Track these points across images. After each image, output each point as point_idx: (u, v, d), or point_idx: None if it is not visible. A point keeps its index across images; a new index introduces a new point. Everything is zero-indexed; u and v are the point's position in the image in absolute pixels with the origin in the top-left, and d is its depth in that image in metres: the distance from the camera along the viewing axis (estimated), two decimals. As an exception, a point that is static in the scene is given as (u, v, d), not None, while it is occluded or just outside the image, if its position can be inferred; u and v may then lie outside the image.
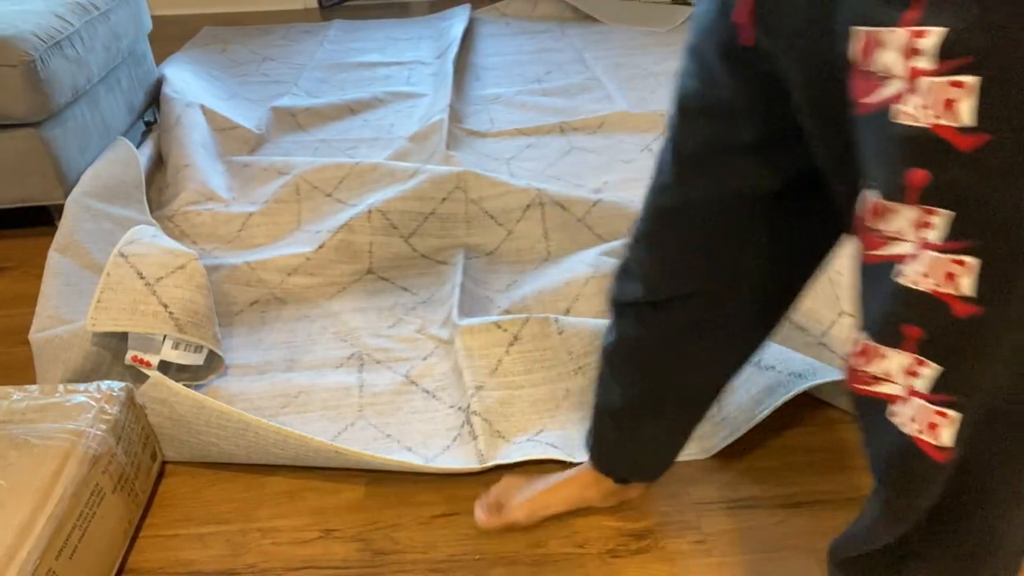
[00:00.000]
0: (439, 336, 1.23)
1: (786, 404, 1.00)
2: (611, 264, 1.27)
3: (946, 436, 0.48)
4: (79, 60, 1.59)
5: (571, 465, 1.00)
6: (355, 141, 1.96)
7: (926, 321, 0.46)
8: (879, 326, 0.49)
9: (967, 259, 0.42)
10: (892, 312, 0.47)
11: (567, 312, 1.23)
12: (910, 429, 0.49)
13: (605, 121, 1.98)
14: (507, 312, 1.25)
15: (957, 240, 0.42)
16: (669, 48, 2.60)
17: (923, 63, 0.40)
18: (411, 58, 2.58)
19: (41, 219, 1.64)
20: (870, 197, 0.46)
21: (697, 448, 1.03)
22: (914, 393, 0.48)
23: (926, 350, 0.47)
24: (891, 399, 0.50)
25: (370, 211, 1.45)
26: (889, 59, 0.41)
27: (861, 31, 0.43)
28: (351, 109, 2.15)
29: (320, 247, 1.40)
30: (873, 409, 0.52)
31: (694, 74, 0.60)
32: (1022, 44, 0.37)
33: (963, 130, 0.39)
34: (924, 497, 0.53)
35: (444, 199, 1.48)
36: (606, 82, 2.30)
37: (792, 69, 0.50)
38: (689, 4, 3.01)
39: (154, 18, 3.07)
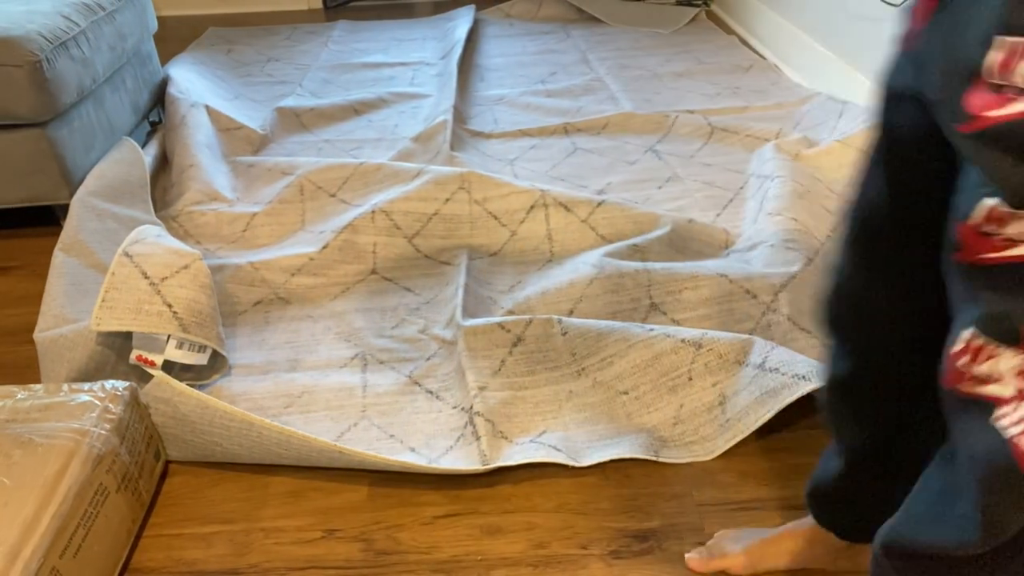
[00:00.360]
0: (442, 337, 1.23)
1: (790, 406, 1.00)
2: (614, 265, 1.27)
3: None
4: (85, 60, 1.59)
5: (572, 469, 1.00)
6: (359, 142, 1.96)
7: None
8: (996, 324, 0.47)
9: None
10: (1014, 312, 0.46)
11: (570, 313, 1.23)
12: (1013, 433, 0.48)
13: (609, 122, 1.98)
14: (510, 313, 1.25)
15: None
16: (673, 49, 2.60)
17: None
18: (415, 59, 2.58)
19: (46, 219, 1.65)
20: (988, 203, 0.46)
21: (702, 450, 1.02)
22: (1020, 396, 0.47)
23: None
24: (999, 401, 0.48)
25: (374, 211, 1.45)
26: None
27: (1006, 40, 0.41)
28: (355, 110, 2.15)
29: (324, 247, 1.40)
30: (973, 411, 0.50)
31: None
32: None
33: None
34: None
35: (448, 200, 1.48)
36: (610, 83, 2.30)
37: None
38: (694, 6, 3.01)
39: (160, 18, 3.08)
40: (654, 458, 1.01)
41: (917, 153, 0.58)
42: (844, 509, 0.80)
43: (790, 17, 2.40)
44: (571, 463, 0.99)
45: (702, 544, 0.90)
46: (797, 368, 1.00)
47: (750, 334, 1.15)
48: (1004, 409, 0.48)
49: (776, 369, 1.02)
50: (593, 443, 1.04)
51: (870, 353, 0.68)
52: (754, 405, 1.01)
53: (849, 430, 0.74)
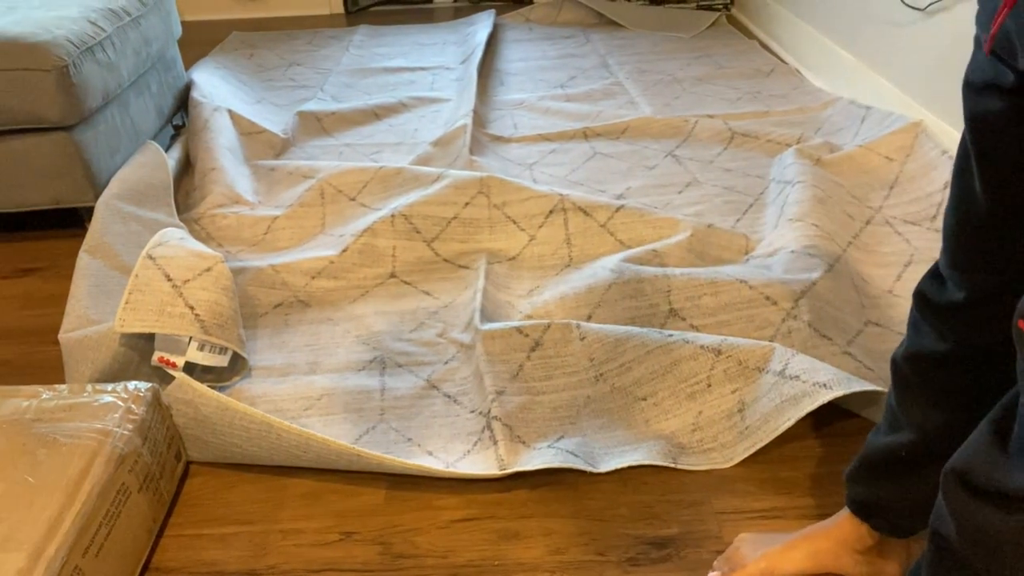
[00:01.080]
0: (461, 340, 1.24)
1: (810, 414, 0.99)
2: (633, 270, 1.26)
3: None
4: (110, 65, 1.62)
5: (589, 474, 0.99)
6: (379, 145, 1.97)
7: None
8: None
9: None
10: None
11: (589, 318, 1.23)
12: None
13: (629, 127, 1.98)
14: (529, 317, 1.25)
15: None
16: (693, 54, 2.59)
17: None
18: (436, 63, 2.60)
19: (72, 221, 1.67)
20: None
21: (720, 457, 1.02)
22: None
23: None
24: None
25: (393, 215, 1.46)
26: None
27: None
28: (376, 114, 2.16)
29: (344, 251, 1.41)
30: None
31: None
32: None
33: None
34: None
35: (467, 204, 1.49)
36: (630, 88, 2.29)
37: None
38: (715, 10, 3.00)
39: (184, 24, 3.12)
40: (672, 465, 1.01)
41: (1005, 138, 0.58)
42: (893, 493, 0.76)
43: (812, 21, 2.38)
44: (588, 469, 0.99)
45: (720, 552, 0.89)
46: (818, 376, 1.00)
47: (770, 341, 1.15)
48: None
49: (796, 377, 1.01)
50: (611, 449, 1.03)
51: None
52: (774, 413, 1.00)
53: (923, 410, 0.71)
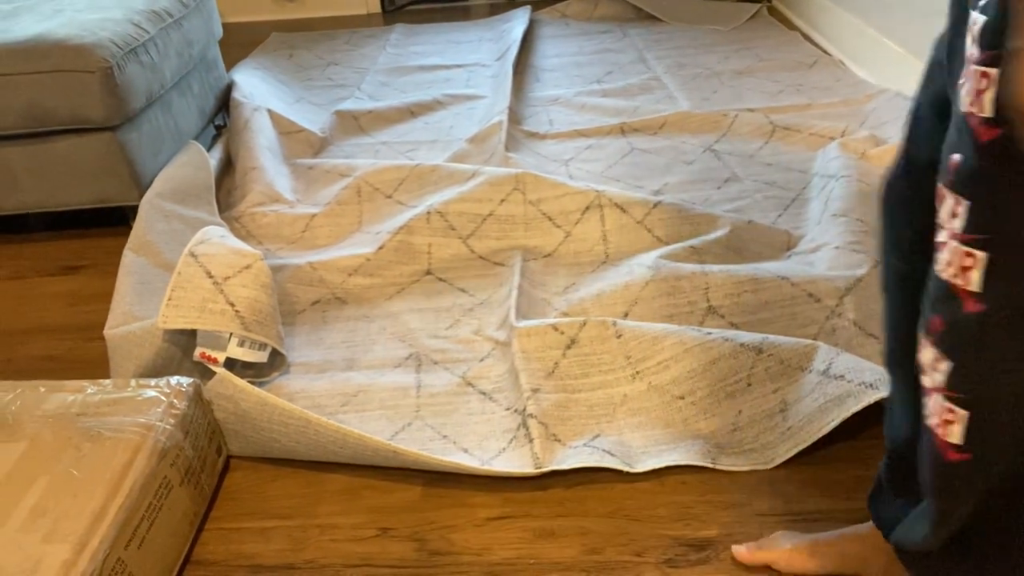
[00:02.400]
0: (496, 338, 1.23)
1: (855, 415, 0.96)
2: (670, 267, 1.24)
3: (956, 434, 0.47)
4: (154, 66, 1.65)
5: (626, 474, 0.98)
6: (415, 143, 1.98)
7: (945, 313, 0.45)
8: (923, 316, 0.48)
9: (977, 252, 0.42)
10: (928, 302, 0.47)
11: (625, 316, 1.22)
12: (932, 424, 0.49)
13: (666, 122, 1.95)
14: (564, 315, 1.24)
15: (972, 232, 0.42)
16: (732, 47, 2.55)
17: (974, 50, 0.42)
18: (471, 61, 2.59)
19: (116, 219, 1.71)
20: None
21: (761, 458, 0.99)
22: (935, 388, 0.48)
23: (942, 343, 0.46)
24: (926, 391, 0.49)
25: (429, 212, 1.46)
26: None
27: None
28: (411, 112, 2.17)
29: (380, 248, 1.42)
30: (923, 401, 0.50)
31: None
32: None
33: (985, 120, 0.40)
34: (956, 499, 0.51)
35: (502, 201, 1.48)
36: (668, 82, 2.26)
37: None
38: (755, 1, 2.94)
39: (225, 25, 3.17)
40: (711, 465, 0.99)
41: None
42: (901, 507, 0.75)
43: (856, 11, 2.32)
44: (625, 469, 0.98)
45: (761, 555, 0.88)
46: (863, 376, 0.97)
47: (813, 339, 1.12)
48: (928, 399, 0.49)
49: (841, 376, 0.98)
50: (648, 448, 1.02)
51: None
52: (817, 413, 0.97)
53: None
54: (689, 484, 0.98)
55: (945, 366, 0.46)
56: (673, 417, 1.06)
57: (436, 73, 2.51)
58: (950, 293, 0.44)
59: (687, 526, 0.92)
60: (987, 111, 0.40)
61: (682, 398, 1.06)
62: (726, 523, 0.92)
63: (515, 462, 1.00)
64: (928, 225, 0.52)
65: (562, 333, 1.15)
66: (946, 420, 0.47)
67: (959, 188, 0.42)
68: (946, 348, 0.46)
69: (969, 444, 0.47)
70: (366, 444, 0.96)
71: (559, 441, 1.02)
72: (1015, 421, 0.46)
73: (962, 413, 0.46)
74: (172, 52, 1.74)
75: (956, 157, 0.42)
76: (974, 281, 0.42)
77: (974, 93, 0.40)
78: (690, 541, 0.90)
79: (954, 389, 0.46)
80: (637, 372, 1.10)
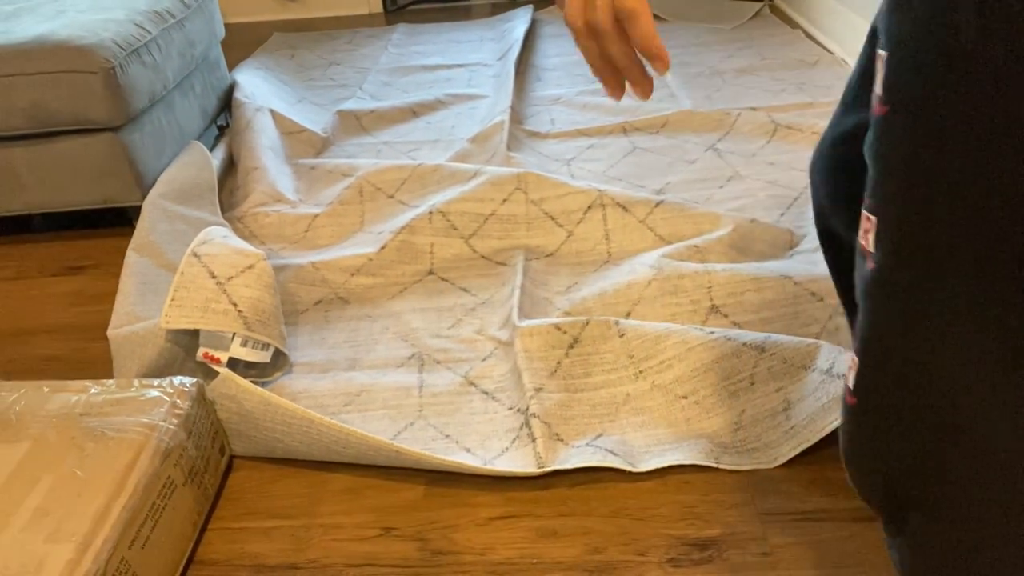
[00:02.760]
0: (498, 337, 1.23)
1: (858, 414, 0.96)
2: (673, 266, 1.24)
3: (850, 379, 0.52)
4: (156, 67, 1.65)
5: (629, 473, 0.98)
6: (417, 143, 1.98)
7: (857, 269, 0.50)
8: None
9: (871, 216, 0.46)
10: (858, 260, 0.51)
11: (628, 315, 1.22)
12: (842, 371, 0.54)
13: (668, 121, 1.95)
14: (567, 314, 1.24)
15: (870, 198, 0.47)
16: (735, 45, 2.54)
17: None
18: (473, 60, 2.59)
19: (119, 220, 1.72)
20: None
21: (764, 457, 0.99)
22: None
23: (859, 294, 0.50)
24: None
25: (431, 212, 1.46)
26: None
27: None
28: (413, 112, 2.17)
29: (382, 248, 1.42)
30: None
31: None
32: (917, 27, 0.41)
33: (879, 98, 0.44)
34: (856, 444, 0.55)
35: (504, 200, 1.48)
36: (669, 81, 2.26)
37: None
38: (758, 0, 2.94)
39: (227, 25, 3.18)
40: (714, 465, 0.99)
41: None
42: None
43: (859, 9, 2.31)
44: (628, 468, 0.98)
45: (765, 555, 0.87)
46: (866, 374, 0.97)
47: (816, 338, 1.12)
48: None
49: (844, 375, 0.98)
50: (651, 448, 1.02)
51: None
52: (821, 412, 0.97)
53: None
54: (692, 484, 0.98)
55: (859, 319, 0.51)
56: (676, 416, 1.05)
57: (438, 73, 2.51)
58: (861, 251, 0.49)
59: (690, 526, 0.92)
60: (878, 90, 0.44)
61: (685, 397, 1.06)
62: (729, 523, 0.92)
63: (518, 462, 1.00)
64: (854, 192, 0.58)
65: (565, 332, 1.15)
66: (849, 367, 0.53)
67: (867, 155, 0.47)
68: (860, 302, 0.51)
69: (855, 390, 0.52)
70: (369, 444, 0.96)
71: (562, 441, 1.02)
72: (901, 381, 0.49)
73: (855, 361, 0.51)
74: (174, 52, 1.74)
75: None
76: (870, 242, 0.47)
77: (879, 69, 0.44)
78: (693, 541, 0.90)
79: (856, 341, 0.51)
80: (640, 371, 1.10)
